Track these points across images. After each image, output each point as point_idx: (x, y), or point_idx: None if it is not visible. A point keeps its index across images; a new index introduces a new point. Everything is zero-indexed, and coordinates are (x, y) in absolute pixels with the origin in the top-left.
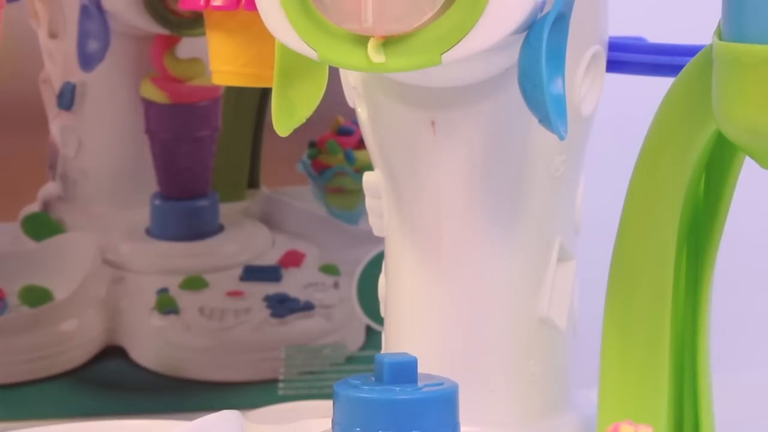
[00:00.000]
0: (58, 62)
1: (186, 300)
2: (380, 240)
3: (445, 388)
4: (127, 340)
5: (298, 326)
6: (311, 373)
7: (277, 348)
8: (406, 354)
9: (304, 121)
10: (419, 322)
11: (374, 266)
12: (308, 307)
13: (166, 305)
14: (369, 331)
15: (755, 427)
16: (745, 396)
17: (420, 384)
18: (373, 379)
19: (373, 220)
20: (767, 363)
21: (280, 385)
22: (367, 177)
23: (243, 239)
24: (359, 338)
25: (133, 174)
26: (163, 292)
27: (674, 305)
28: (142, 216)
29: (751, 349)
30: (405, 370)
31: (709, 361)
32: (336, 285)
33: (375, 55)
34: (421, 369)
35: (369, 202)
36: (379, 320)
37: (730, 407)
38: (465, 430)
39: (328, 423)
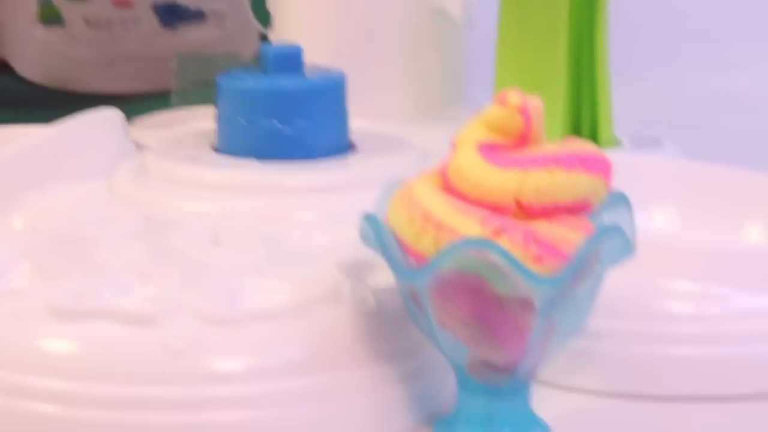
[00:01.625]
0: None
1: (70, 10)
2: None
3: (331, 76)
4: (9, 54)
5: (190, 35)
6: (205, 83)
7: (169, 59)
8: (291, 44)
9: None
10: (308, 15)
11: None
12: (199, 15)
13: (50, 16)
14: (263, 39)
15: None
16: (639, 95)
17: (306, 73)
18: (257, 71)
19: None
20: (663, 66)
21: (173, 96)
22: None
23: None
24: (253, 46)
25: None
26: (45, 2)
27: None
28: None
29: (650, 54)
30: (290, 60)
31: (608, 56)
32: None
33: None
34: (310, 62)
35: None
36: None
37: (627, 104)
38: (356, 124)
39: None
